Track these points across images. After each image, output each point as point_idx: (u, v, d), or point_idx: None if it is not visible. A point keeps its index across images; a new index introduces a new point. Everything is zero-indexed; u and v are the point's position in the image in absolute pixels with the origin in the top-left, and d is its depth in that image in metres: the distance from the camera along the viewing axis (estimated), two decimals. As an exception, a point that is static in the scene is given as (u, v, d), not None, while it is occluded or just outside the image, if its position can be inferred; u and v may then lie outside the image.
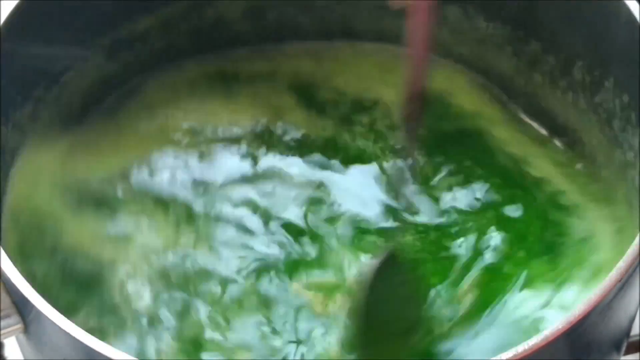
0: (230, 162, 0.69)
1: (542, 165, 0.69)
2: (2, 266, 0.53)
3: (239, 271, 0.64)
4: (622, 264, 0.51)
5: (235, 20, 0.73)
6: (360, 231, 0.66)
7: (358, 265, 0.64)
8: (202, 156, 0.69)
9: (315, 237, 0.66)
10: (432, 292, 0.63)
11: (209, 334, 0.62)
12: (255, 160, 0.69)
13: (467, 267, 0.64)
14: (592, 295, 0.50)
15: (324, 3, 0.73)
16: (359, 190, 0.68)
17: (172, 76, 0.73)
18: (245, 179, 0.68)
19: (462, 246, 0.65)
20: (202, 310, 0.62)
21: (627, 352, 0.65)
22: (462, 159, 0.69)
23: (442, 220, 0.67)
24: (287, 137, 0.70)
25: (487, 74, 0.73)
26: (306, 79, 0.73)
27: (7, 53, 0.61)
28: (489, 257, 0.64)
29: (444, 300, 0.63)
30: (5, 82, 0.61)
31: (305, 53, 0.74)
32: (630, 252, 0.52)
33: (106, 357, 0.49)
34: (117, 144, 0.69)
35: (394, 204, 0.67)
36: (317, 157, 0.69)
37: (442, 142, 0.70)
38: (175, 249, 0.65)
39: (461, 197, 0.67)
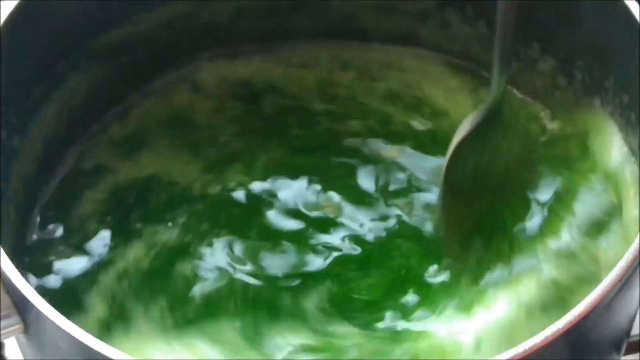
0: None
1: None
2: (2, 266, 0.53)
3: None
4: (622, 264, 0.51)
5: None
6: None
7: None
8: None
9: None
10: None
11: None
12: None
13: None
14: (592, 295, 0.50)
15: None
16: None
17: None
18: None
19: None
20: None
21: (627, 352, 0.65)
22: None
23: None
24: None
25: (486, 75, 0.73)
26: None
27: (7, 53, 0.61)
28: None
29: None
30: (5, 82, 0.61)
31: None
32: (630, 252, 0.52)
33: (106, 357, 0.49)
34: None
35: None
36: None
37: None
38: None
39: None
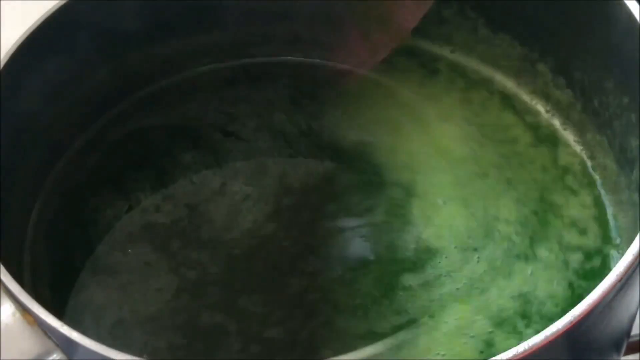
0: None
1: None
2: (1, 266, 0.53)
3: None
4: (622, 264, 0.51)
5: None
6: None
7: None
8: None
9: None
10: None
11: None
12: None
13: None
14: (592, 295, 0.50)
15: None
16: None
17: None
18: None
19: None
20: None
21: (627, 352, 0.65)
22: None
23: None
24: None
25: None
26: None
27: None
28: None
29: None
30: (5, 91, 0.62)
31: None
32: (630, 252, 0.52)
33: (106, 357, 0.49)
34: None
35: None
36: None
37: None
38: None
39: None
